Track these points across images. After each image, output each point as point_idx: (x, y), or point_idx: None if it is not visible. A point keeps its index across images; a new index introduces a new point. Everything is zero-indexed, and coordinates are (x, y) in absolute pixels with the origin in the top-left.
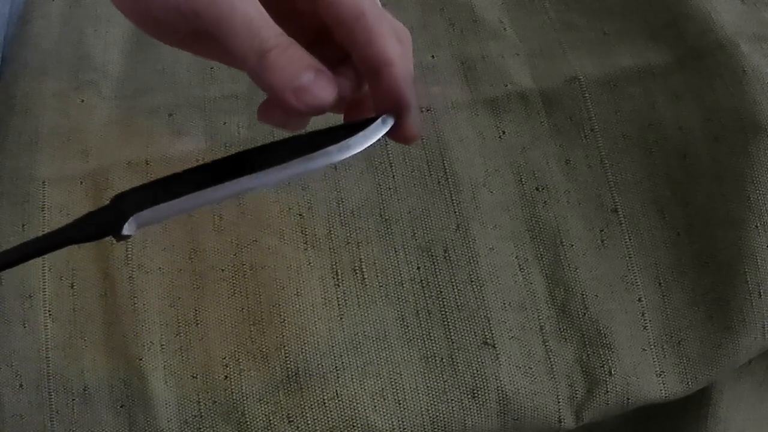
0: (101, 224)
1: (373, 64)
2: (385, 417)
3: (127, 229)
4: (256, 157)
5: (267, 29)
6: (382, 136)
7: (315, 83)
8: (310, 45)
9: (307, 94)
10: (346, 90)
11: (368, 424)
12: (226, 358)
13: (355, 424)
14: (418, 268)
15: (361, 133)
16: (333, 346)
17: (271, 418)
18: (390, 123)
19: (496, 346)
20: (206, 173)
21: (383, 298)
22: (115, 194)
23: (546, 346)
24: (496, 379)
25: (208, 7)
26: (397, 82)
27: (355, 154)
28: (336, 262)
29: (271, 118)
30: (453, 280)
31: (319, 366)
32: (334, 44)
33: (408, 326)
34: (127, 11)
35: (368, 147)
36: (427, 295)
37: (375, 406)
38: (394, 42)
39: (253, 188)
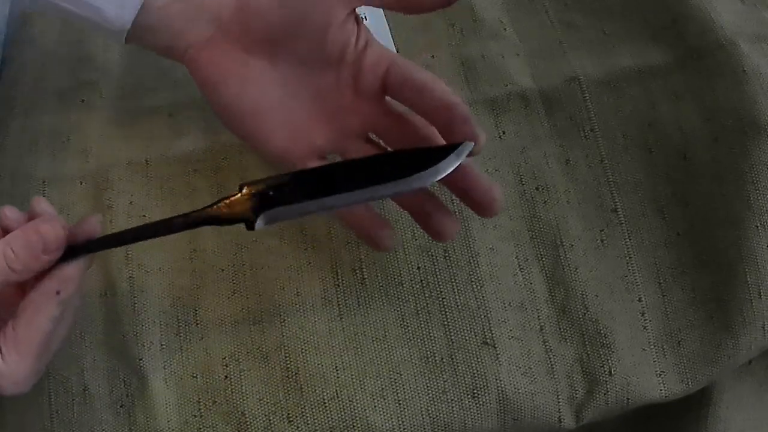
0: (235, 213)
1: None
2: (385, 417)
3: (258, 224)
4: (361, 169)
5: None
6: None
7: None
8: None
9: None
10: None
11: (368, 424)
12: (226, 358)
13: (355, 424)
14: (418, 268)
15: (449, 158)
16: (333, 346)
17: (271, 418)
18: (469, 148)
19: (496, 346)
20: (321, 179)
21: (383, 298)
22: (241, 183)
23: (546, 346)
24: (496, 379)
25: (246, 137)
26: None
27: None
28: (336, 262)
29: None
30: (453, 280)
31: (319, 366)
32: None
33: (408, 326)
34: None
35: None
36: (427, 295)
37: (375, 406)
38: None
39: (359, 203)
